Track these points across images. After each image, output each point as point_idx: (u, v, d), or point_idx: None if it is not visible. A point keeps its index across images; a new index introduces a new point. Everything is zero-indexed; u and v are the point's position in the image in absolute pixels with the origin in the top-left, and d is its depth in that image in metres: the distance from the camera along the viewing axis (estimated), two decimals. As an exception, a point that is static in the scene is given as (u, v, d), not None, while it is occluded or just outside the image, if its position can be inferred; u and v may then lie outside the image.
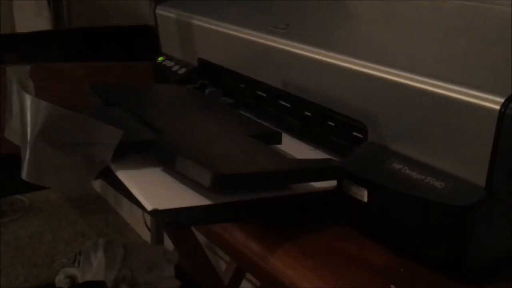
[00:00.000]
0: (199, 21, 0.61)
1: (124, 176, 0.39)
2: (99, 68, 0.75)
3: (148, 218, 1.52)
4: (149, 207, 0.34)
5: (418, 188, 0.35)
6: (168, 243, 1.52)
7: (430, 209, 0.34)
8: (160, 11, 0.68)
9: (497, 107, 0.32)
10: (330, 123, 0.46)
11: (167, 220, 0.34)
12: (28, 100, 0.36)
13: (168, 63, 0.66)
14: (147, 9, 1.29)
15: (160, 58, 0.68)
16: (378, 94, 0.40)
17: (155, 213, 0.34)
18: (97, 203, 1.84)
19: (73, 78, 0.71)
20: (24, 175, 0.36)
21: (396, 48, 0.44)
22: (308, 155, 0.48)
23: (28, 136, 0.35)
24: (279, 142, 0.47)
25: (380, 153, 0.39)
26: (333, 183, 0.41)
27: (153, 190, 0.37)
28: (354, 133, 0.44)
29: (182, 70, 0.63)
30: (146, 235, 1.60)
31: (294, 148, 0.49)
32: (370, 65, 0.40)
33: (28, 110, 0.35)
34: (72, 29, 1.57)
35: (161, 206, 0.34)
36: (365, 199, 0.38)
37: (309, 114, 0.49)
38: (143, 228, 1.59)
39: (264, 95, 0.54)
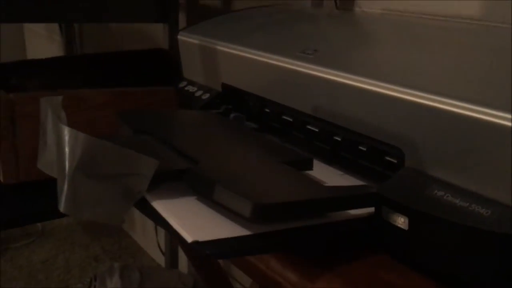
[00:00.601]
0: (222, 47, 0.61)
1: (161, 206, 0.38)
2: (121, 94, 0.75)
3: (162, 241, 1.51)
4: (189, 239, 0.34)
5: (463, 216, 0.34)
6: (182, 267, 1.50)
7: (477, 238, 0.33)
8: (182, 37, 0.69)
9: (546, 133, 0.31)
10: (362, 148, 0.46)
11: (208, 252, 0.33)
12: (65, 132, 0.35)
13: (191, 88, 0.66)
14: (161, 33, 1.30)
15: (183, 84, 0.68)
16: (415, 119, 0.39)
17: (196, 245, 0.33)
18: (109, 227, 1.83)
19: (96, 104, 0.71)
20: (62, 207, 0.35)
21: (428, 71, 0.44)
22: (339, 180, 0.47)
23: (67, 168, 0.35)
24: (311, 168, 0.47)
25: (419, 179, 0.39)
26: (369, 209, 0.40)
27: (191, 220, 0.37)
28: (388, 158, 0.44)
29: (206, 96, 0.63)
30: (160, 259, 1.58)
31: (324, 173, 0.48)
32: (406, 90, 0.40)
33: (66, 142, 0.35)
34: (87, 54, 1.58)
35: (201, 238, 0.34)
36: (406, 227, 0.38)
37: (340, 139, 0.48)
38: (156, 251, 1.58)
39: (291, 120, 0.54)
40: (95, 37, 1.85)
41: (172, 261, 1.49)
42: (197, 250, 0.33)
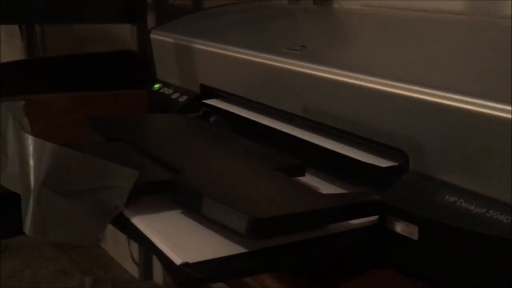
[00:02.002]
0: (200, 45, 0.56)
1: (142, 223, 0.34)
2: (88, 98, 0.70)
3: (135, 251, 1.45)
4: (178, 261, 0.30)
5: (481, 224, 0.31)
6: (157, 277, 1.44)
7: (498, 248, 0.30)
8: (155, 35, 0.64)
9: None
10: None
11: (200, 276, 0.29)
12: (29, 141, 0.31)
13: (166, 90, 0.62)
14: (128, 34, 1.24)
15: (157, 85, 0.64)
16: (419, 117, 0.36)
17: (186, 268, 0.29)
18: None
19: (59, 110, 0.65)
20: (27, 230, 0.30)
21: (427, 65, 0.41)
22: (334, 186, 0.44)
23: (32, 184, 0.30)
24: (303, 174, 0.43)
25: (427, 184, 0.35)
26: (371, 218, 0.37)
27: (177, 239, 0.32)
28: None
29: (183, 98, 0.59)
30: (134, 270, 1.52)
31: (318, 179, 0.45)
32: (407, 86, 0.37)
33: (31, 153, 0.30)
34: (50, 58, 1.51)
35: (191, 259, 0.30)
36: (416, 237, 0.34)
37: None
38: (129, 262, 1.51)
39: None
40: (58, 41, 1.77)
41: (146, 272, 1.43)
42: (187, 274, 0.29)
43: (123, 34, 1.28)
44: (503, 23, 0.54)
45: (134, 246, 1.45)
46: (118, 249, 1.62)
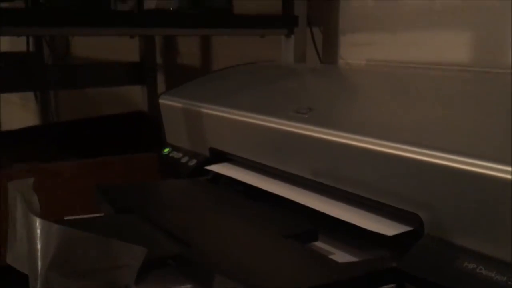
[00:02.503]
0: (208, 109, 0.57)
1: (152, 302, 0.33)
2: (98, 165, 0.70)
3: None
4: None
5: (504, 293, 0.30)
6: None
7: (524, 318, 0.29)
8: (164, 100, 0.65)
9: None
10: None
11: None
12: (37, 223, 0.30)
13: (176, 154, 0.62)
14: (139, 96, 1.26)
15: (166, 150, 0.64)
16: (432, 181, 0.35)
17: None
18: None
19: (72, 177, 0.66)
20: (34, 316, 0.30)
21: (436, 127, 0.40)
22: (347, 251, 0.43)
23: (39, 267, 0.30)
24: (316, 239, 0.42)
25: (443, 250, 0.34)
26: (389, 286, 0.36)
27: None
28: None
29: (193, 162, 0.59)
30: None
31: (330, 243, 0.44)
32: (418, 150, 0.36)
33: (38, 236, 0.30)
34: (62, 122, 1.54)
35: None
36: (436, 307, 0.33)
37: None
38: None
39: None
40: (71, 103, 1.81)
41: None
42: None
43: (136, 95, 1.31)
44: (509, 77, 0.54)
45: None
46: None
